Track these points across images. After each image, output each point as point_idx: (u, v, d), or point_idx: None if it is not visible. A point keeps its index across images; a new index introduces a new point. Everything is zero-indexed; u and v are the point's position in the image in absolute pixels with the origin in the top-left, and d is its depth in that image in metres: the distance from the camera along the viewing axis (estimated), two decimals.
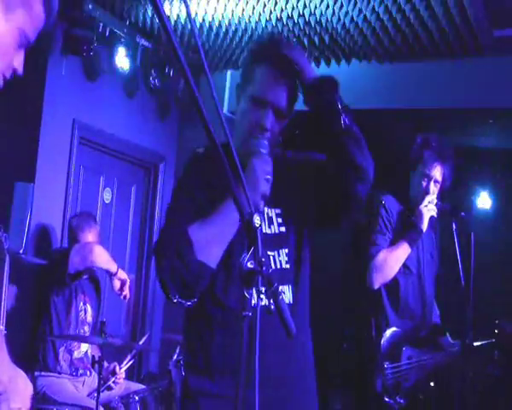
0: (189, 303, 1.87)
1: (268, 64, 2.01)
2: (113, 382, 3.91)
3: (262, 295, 1.51)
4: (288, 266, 2.08)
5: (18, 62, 1.38)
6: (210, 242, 1.87)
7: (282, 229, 2.10)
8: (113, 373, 3.98)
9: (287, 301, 2.04)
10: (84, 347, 4.02)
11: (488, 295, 4.78)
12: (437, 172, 3.69)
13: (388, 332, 3.58)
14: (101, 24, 4.31)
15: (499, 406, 4.39)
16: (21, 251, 3.90)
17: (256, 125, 1.99)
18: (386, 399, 3.52)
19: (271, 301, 1.44)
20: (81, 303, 4.08)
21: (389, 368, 3.54)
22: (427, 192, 3.68)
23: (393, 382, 3.56)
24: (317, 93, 2.06)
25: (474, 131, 5.54)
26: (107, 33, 4.40)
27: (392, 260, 3.52)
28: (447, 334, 3.85)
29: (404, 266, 3.64)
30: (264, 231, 2.04)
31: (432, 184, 3.70)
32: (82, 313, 4.08)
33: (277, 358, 1.97)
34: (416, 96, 4.75)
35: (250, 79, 2.03)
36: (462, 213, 3.61)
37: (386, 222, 3.64)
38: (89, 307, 4.13)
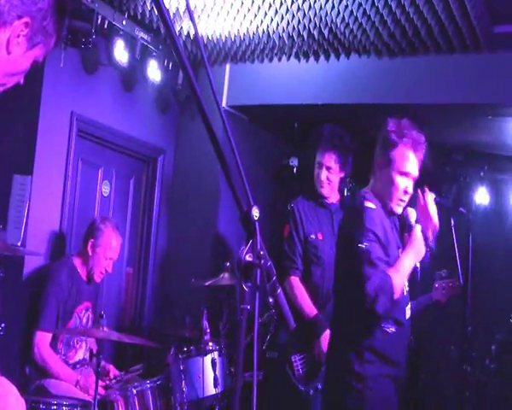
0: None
1: None
2: (106, 384, 3.88)
3: None
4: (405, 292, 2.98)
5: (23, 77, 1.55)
6: (399, 285, 2.81)
7: None
8: (107, 374, 3.97)
9: (408, 316, 2.99)
10: (79, 355, 4.02)
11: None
12: (328, 160, 4.05)
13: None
14: (100, 16, 4.29)
15: None
16: (19, 244, 3.90)
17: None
18: (301, 388, 3.88)
19: (270, 294, 1.44)
20: (83, 311, 4.05)
21: (297, 360, 3.88)
22: (318, 179, 4.10)
23: (305, 371, 3.89)
24: None
25: (473, 127, 5.53)
26: (106, 26, 4.37)
27: None
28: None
29: (317, 256, 4.04)
30: None
31: (324, 170, 4.07)
32: (84, 320, 4.06)
33: None
34: (415, 91, 4.74)
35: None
36: (462, 209, 3.64)
37: None
38: (90, 314, 4.11)
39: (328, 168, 4.07)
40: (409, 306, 3.02)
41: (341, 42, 4.60)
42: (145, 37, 4.73)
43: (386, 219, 2.96)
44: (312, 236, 4.08)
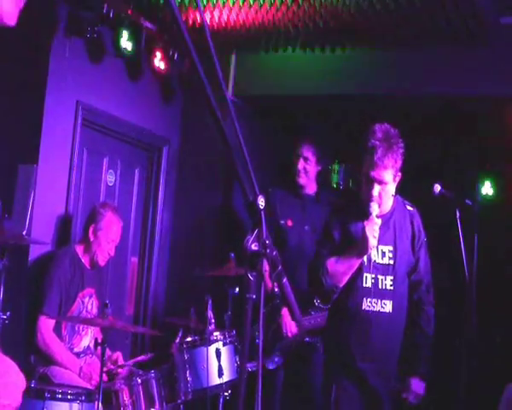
0: (326, 307, 3.34)
1: None
2: (112, 372, 3.89)
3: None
4: (392, 288, 3.15)
5: None
6: (341, 273, 3.08)
7: (391, 262, 3.15)
8: (115, 363, 3.97)
9: (388, 310, 3.15)
10: (85, 342, 4.03)
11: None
12: (305, 151, 4.45)
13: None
14: (106, 5, 4.28)
15: None
16: (24, 233, 3.90)
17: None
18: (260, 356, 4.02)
19: (276, 283, 1.43)
20: (87, 298, 4.06)
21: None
22: (296, 169, 4.44)
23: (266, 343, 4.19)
24: None
25: (478, 118, 5.50)
26: (112, 15, 4.36)
27: None
28: (315, 300, 4.05)
29: (284, 241, 4.35)
30: (377, 261, 3.13)
31: (301, 161, 4.45)
32: (89, 306, 4.08)
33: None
34: (421, 82, 4.72)
35: None
36: (467, 201, 3.62)
37: None
38: (94, 300, 4.12)
39: (306, 159, 4.45)
40: (387, 301, 3.14)
41: (348, 33, 4.58)
42: (150, 26, 4.71)
43: (359, 217, 3.11)
44: (282, 221, 4.44)
